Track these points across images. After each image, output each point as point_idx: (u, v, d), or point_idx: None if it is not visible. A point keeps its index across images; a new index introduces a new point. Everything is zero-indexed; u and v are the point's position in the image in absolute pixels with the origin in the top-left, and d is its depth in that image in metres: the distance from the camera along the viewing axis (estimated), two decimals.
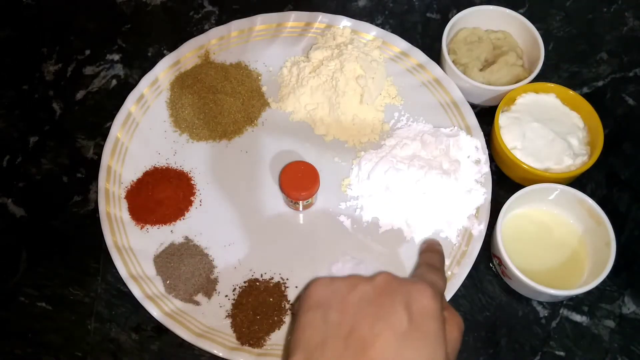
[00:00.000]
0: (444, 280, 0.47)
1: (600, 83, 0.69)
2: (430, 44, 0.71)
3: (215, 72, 0.66)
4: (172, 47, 0.70)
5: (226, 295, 0.57)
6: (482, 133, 0.64)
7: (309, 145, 0.64)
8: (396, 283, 0.42)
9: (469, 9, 0.67)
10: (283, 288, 0.57)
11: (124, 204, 0.61)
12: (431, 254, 0.52)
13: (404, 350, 0.38)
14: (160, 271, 0.57)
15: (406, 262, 0.58)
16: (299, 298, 0.46)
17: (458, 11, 0.67)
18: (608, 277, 0.52)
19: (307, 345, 0.40)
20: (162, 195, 0.61)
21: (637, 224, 0.61)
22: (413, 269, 0.56)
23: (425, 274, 0.47)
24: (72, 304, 0.58)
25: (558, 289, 0.52)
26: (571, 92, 0.62)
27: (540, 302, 0.57)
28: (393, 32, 0.70)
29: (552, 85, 0.63)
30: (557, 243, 0.58)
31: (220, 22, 0.73)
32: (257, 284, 0.57)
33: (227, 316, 0.56)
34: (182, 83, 0.66)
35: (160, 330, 0.56)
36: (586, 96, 0.63)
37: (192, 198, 0.61)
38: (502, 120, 0.62)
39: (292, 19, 0.71)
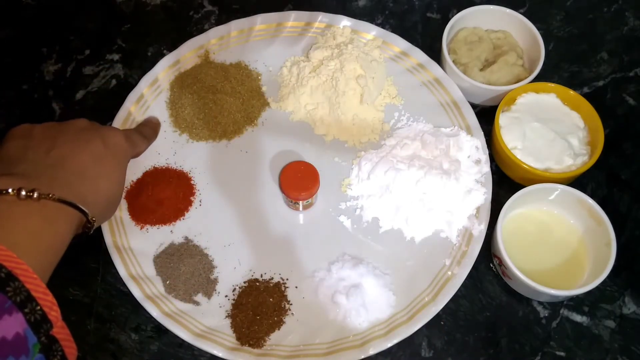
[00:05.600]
0: (143, 144, 0.61)
1: (601, 83, 0.69)
2: (430, 44, 0.70)
3: (215, 72, 0.66)
4: (172, 47, 0.69)
5: (226, 296, 0.57)
6: (482, 133, 0.64)
7: (309, 145, 0.64)
8: (94, 126, 0.54)
9: (469, 9, 0.67)
10: (283, 288, 0.57)
11: (124, 204, 0.61)
12: (145, 127, 0.63)
13: (98, 166, 0.50)
14: (160, 271, 0.57)
15: (406, 262, 0.58)
16: None
17: (458, 11, 0.67)
18: (608, 277, 0.52)
19: (8, 159, 0.48)
20: (162, 195, 0.60)
21: (637, 224, 0.61)
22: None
23: (129, 131, 0.60)
24: (71, 304, 0.58)
25: (558, 289, 0.52)
26: (571, 92, 0.62)
27: (540, 302, 0.57)
28: (393, 31, 0.70)
29: (553, 85, 0.63)
30: (558, 243, 0.58)
31: (220, 21, 0.73)
32: (257, 284, 0.57)
33: (227, 316, 0.56)
34: (182, 83, 0.66)
35: (160, 330, 0.56)
36: (586, 96, 0.63)
37: (191, 198, 0.61)
38: (503, 120, 0.62)
39: (292, 19, 0.71)
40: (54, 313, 0.38)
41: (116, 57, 0.72)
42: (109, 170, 0.52)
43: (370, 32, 0.70)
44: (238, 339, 0.54)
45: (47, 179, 0.46)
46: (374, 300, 0.55)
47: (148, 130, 0.63)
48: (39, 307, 0.37)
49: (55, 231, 0.44)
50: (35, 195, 0.43)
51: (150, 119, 0.65)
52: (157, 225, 0.60)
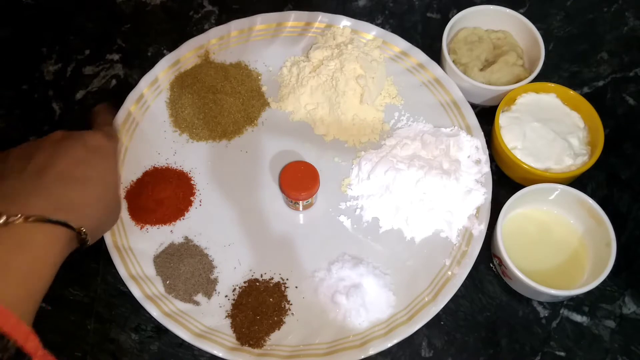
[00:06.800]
0: (116, 134, 0.60)
1: (601, 83, 0.69)
2: (430, 44, 0.70)
3: (215, 72, 0.66)
4: (172, 46, 0.69)
5: (226, 296, 0.57)
6: (482, 133, 0.64)
7: (309, 145, 0.64)
8: (72, 134, 0.51)
9: (469, 9, 0.67)
10: (283, 288, 0.57)
11: (124, 204, 0.60)
12: (105, 116, 0.61)
13: (83, 168, 0.48)
14: (160, 271, 0.57)
15: (406, 262, 0.58)
16: None
17: (458, 11, 0.67)
18: (608, 277, 0.52)
19: None
20: (162, 195, 0.60)
21: (637, 224, 0.61)
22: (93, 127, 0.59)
23: (105, 128, 0.57)
24: (71, 304, 0.58)
25: (558, 289, 0.52)
26: (571, 92, 0.62)
27: (540, 303, 0.57)
28: (393, 31, 0.70)
29: (553, 85, 0.63)
30: (558, 243, 0.58)
31: (220, 21, 0.73)
32: (257, 284, 0.57)
33: (227, 316, 0.56)
34: (182, 83, 0.66)
35: (160, 330, 0.56)
36: (587, 96, 0.63)
37: (192, 198, 0.61)
38: (503, 120, 0.62)
39: (292, 19, 0.71)
40: (31, 343, 0.36)
41: (116, 57, 0.72)
42: (99, 173, 0.50)
43: (370, 32, 0.70)
44: (238, 339, 0.54)
45: (22, 197, 0.43)
46: (374, 300, 0.55)
47: (103, 118, 0.61)
48: (10, 343, 0.35)
49: (32, 257, 0.41)
50: (1, 221, 0.40)
51: (98, 110, 0.62)
52: (157, 225, 0.60)
